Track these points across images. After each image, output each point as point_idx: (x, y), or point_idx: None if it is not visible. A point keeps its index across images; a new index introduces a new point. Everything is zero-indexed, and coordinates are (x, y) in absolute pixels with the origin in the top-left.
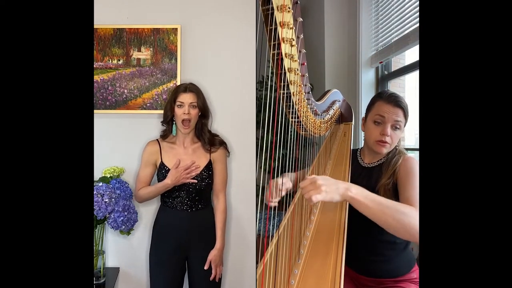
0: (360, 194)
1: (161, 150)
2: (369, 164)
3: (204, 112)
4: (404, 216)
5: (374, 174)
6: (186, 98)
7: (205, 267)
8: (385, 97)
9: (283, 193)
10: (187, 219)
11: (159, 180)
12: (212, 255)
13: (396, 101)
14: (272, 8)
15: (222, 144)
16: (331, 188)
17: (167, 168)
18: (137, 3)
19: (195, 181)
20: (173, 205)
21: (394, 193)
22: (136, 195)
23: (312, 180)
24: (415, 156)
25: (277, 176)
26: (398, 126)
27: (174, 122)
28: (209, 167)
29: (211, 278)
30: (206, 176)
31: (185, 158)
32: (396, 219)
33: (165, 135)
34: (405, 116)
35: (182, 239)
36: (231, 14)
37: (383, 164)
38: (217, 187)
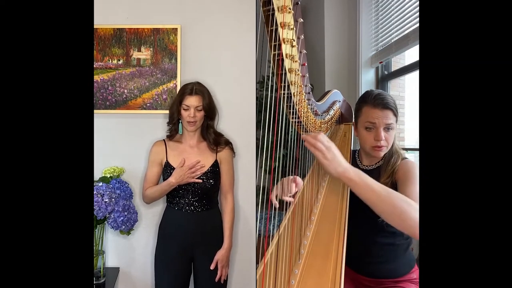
0: (358, 178)
1: (166, 150)
2: (367, 166)
3: (209, 113)
4: (404, 204)
5: (374, 177)
6: (192, 102)
7: (211, 267)
8: (371, 101)
9: (289, 196)
10: (193, 220)
11: (165, 180)
12: (219, 255)
13: (383, 104)
14: (273, 9)
15: (228, 144)
16: (336, 161)
17: (172, 167)
18: (137, 3)
19: (200, 180)
20: (178, 205)
21: None
22: (143, 195)
23: (328, 146)
24: (415, 156)
25: (278, 177)
26: (390, 128)
27: (180, 121)
28: (215, 166)
29: (216, 279)
30: (212, 176)
31: (191, 157)
32: (395, 206)
33: (171, 135)
34: (395, 114)
35: (188, 240)
36: (231, 14)
37: (381, 166)
38: (224, 187)
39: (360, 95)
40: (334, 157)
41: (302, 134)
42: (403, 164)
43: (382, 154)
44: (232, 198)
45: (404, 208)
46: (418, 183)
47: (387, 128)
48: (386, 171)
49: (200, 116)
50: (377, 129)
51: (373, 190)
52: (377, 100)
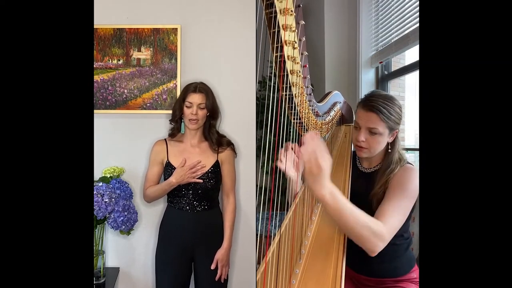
0: (332, 202)
1: (167, 149)
2: (366, 169)
3: (212, 113)
4: (365, 231)
5: (371, 181)
6: (195, 99)
7: (212, 267)
8: (362, 101)
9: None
10: (193, 220)
11: (166, 179)
12: (219, 254)
13: (369, 106)
14: (275, 12)
15: (230, 144)
16: (321, 182)
17: (173, 167)
18: (137, 3)
19: (201, 181)
20: (179, 205)
21: None
22: (144, 194)
23: (316, 163)
24: (415, 156)
25: (278, 177)
26: (375, 132)
27: (182, 120)
28: (216, 167)
29: (216, 278)
30: (213, 176)
31: (192, 157)
32: (355, 235)
33: (173, 133)
34: (384, 120)
35: (188, 240)
36: (231, 14)
37: (378, 171)
38: (226, 187)
39: (360, 95)
40: (322, 173)
41: (303, 134)
42: (399, 173)
43: (364, 155)
44: (234, 198)
45: (365, 236)
46: (403, 195)
47: (371, 131)
48: (381, 179)
49: (202, 114)
50: (360, 129)
51: (341, 216)
52: (365, 102)
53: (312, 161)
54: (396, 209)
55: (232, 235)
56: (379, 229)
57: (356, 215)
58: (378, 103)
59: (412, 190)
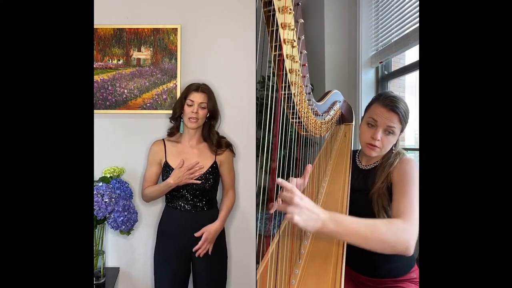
0: (339, 227)
1: (165, 149)
2: (366, 166)
3: (213, 114)
4: (390, 236)
5: (370, 177)
6: (197, 98)
7: (196, 234)
8: (381, 100)
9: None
10: (191, 220)
11: (164, 179)
12: (209, 227)
13: (391, 106)
14: (274, 10)
15: (229, 146)
16: (311, 216)
17: (171, 168)
18: (137, 3)
19: (198, 182)
20: (177, 205)
21: (390, 197)
22: (142, 194)
23: (300, 204)
24: (415, 156)
25: (278, 176)
26: (391, 131)
27: (181, 120)
28: (214, 168)
29: (194, 249)
30: (211, 177)
31: (189, 158)
32: (384, 241)
33: (171, 132)
34: (402, 121)
35: (186, 240)
36: (231, 14)
37: (378, 167)
38: (226, 185)
39: (360, 95)
40: (309, 214)
41: (303, 133)
42: (399, 165)
43: (374, 154)
44: (234, 192)
45: (391, 239)
46: (413, 186)
47: (388, 131)
48: (381, 175)
49: (203, 114)
50: (377, 127)
51: (357, 233)
52: (387, 101)
53: (290, 208)
54: (412, 201)
55: (226, 219)
56: (400, 226)
57: (370, 224)
58: (400, 105)
59: (418, 178)
